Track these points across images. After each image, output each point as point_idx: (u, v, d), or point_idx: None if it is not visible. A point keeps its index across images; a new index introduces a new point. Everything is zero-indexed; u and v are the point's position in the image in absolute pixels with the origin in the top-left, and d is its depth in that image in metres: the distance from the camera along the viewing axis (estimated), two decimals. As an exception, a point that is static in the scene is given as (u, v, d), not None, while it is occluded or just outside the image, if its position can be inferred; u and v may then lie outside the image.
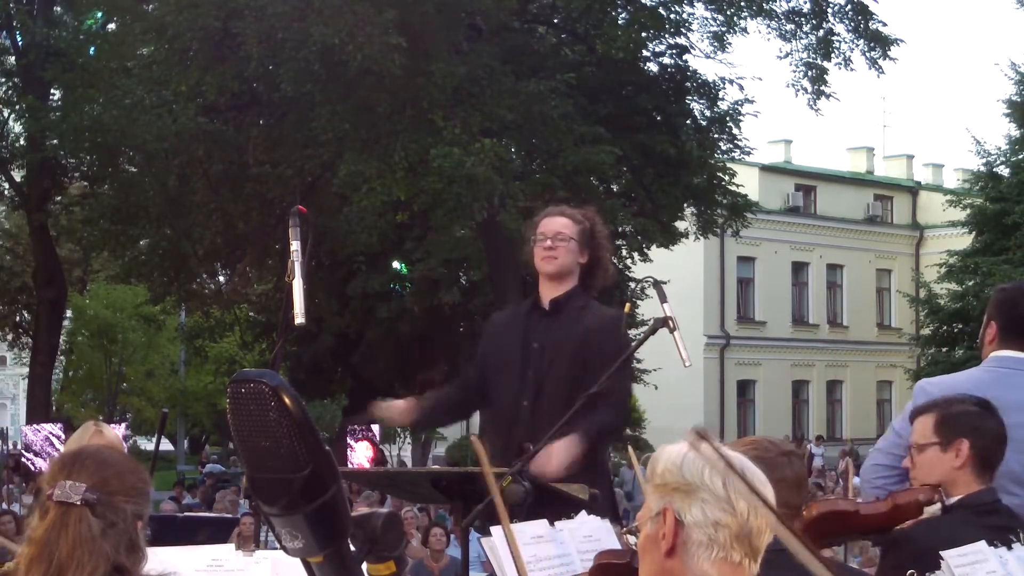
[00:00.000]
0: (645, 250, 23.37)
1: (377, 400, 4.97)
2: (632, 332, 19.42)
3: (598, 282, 4.83)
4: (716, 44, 21.95)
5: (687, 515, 2.08)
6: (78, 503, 2.42)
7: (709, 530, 2.07)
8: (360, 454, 19.71)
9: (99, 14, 21.89)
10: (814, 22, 21.85)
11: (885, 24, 21.79)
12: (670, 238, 22.75)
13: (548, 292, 4.80)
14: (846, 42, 21.98)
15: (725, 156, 22.96)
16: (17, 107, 23.47)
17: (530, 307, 4.87)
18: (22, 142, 24.29)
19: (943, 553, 3.09)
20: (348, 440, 20.10)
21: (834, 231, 41.63)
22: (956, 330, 29.33)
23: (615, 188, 23.03)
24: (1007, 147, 29.53)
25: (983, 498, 3.47)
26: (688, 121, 22.17)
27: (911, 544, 3.36)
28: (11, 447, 24.85)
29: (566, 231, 4.75)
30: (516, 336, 4.78)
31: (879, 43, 21.68)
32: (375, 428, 20.37)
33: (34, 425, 18.18)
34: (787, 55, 22.05)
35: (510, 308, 5.08)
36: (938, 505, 3.44)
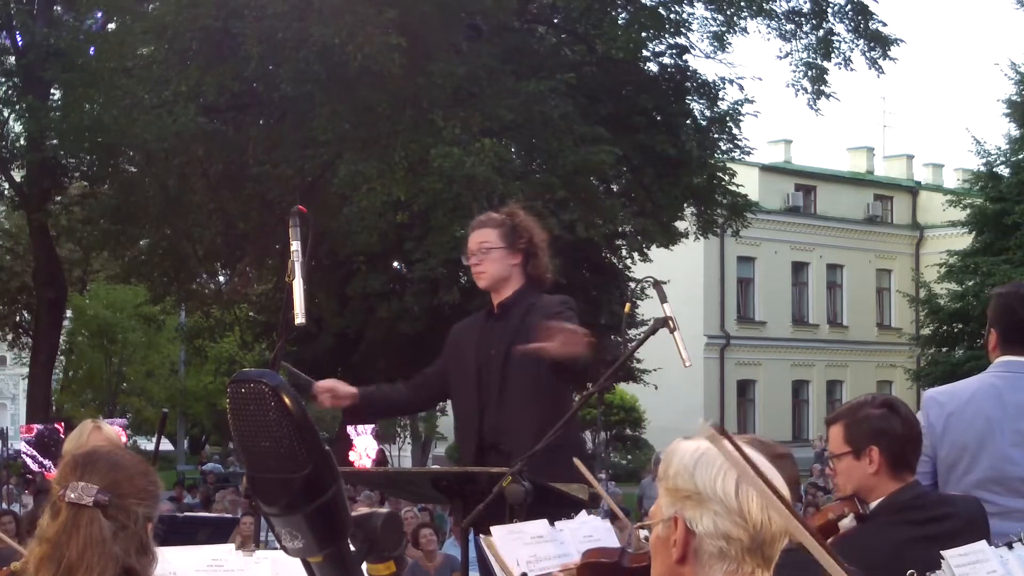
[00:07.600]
0: (645, 250, 23.38)
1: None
2: (632, 332, 19.47)
3: (540, 270, 4.78)
4: (716, 44, 21.97)
5: (698, 525, 2.04)
6: (90, 504, 2.43)
7: (721, 543, 2.03)
8: (360, 454, 19.70)
9: (98, 13, 21.87)
10: (814, 22, 21.86)
11: (885, 24, 21.85)
12: (670, 238, 22.74)
13: (496, 298, 4.82)
14: (846, 42, 22.01)
15: (725, 156, 22.98)
16: (17, 107, 23.42)
17: (485, 315, 4.91)
18: (22, 142, 24.25)
19: (944, 553, 3.08)
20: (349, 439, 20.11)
21: (834, 231, 41.62)
22: (956, 330, 29.34)
23: (615, 188, 23.04)
24: (1007, 147, 29.51)
25: (900, 497, 3.45)
26: (688, 121, 22.19)
27: None
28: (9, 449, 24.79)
29: (488, 240, 4.73)
30: (471, 344, 4.82)
31: (879, 43, 21.69)
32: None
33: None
34: (787, 55, 22.09)
35: (471, 318, 5.08)
36: (850, 516, 3.43)
